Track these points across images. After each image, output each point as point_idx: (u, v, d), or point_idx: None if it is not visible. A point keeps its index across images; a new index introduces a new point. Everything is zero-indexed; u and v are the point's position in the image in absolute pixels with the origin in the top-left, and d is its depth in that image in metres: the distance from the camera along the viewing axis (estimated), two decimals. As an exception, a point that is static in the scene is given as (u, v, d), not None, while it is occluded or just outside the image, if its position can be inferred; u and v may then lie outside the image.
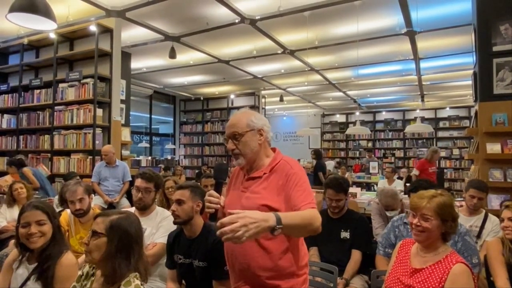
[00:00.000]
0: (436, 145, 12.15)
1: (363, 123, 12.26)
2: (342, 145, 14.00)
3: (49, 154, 5.71)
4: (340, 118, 14.40)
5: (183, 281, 2.20)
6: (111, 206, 4.76)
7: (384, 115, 13.43)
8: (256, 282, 1.52)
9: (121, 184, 4.97)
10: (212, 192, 1.56)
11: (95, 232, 1.44)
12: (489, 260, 2.07)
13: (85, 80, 5.43)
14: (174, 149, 12.21)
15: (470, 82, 4.48)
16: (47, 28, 3.14)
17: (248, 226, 1.14)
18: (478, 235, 2.85)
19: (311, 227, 1.40)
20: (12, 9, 2.82)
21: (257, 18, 5.46)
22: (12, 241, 2.47)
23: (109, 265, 1.41)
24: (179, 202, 2.06)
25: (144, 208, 2.48)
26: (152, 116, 11.54)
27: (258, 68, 8.52)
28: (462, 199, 3.31)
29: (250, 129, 1.56)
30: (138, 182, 2.46)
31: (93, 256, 1.42)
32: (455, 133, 12.02)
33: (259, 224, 1.17)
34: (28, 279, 1.74)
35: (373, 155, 11.04)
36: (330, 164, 10.01)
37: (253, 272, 1.51)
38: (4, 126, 6.38)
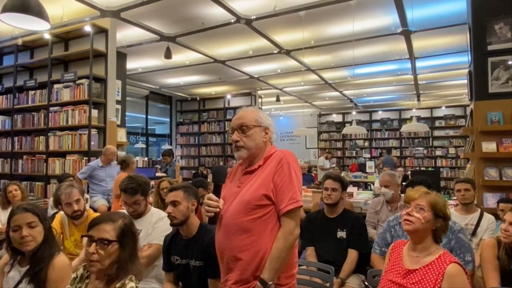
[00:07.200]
0: (432, 144, 12.21)
1: (359, 122, 12.25)
2: (339, 144, 14.01)
3: (44, 155, 5.67)
4: (336, 117, 14.42)
5: (180, 283, 2.18)
6: None
7: (380, 115, 13.46)
8: (242, 274, 1.52)
9: None
10: (211, 195, 1.57)
11: (107, 240, 1.38)
12: (482, 262, 2.06)
13: (80, 81, 5.40)
14: (171, 149, 12.16)
15: (465, 81, 4.50)
16: (40, 28, 3.12)
17: None
18: (473, 233, 2.87)
19: (291, 247, 1.51)
20: (4, 9, 2.79)
21: (252, 18, 5.45)
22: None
23: (120, 268, 1.40)
24: (174, 203, 2.05)
25: (140, 215, 2.44)
26: (148, 117, 11.50)
27: (254, 68, 8.51)
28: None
29: (258, 124, 1.62)
30: (124, 197, 2.38)
31: (104, 264, 1.38)
32: (451, 132, 12.07)
33: None
34: (20, 282, 1.71)
35: (391, 155, 11.01)
36: (320, 160, 10.00)
37: (240, 265, 1.52)
38: (-2, 127, 6.33)
